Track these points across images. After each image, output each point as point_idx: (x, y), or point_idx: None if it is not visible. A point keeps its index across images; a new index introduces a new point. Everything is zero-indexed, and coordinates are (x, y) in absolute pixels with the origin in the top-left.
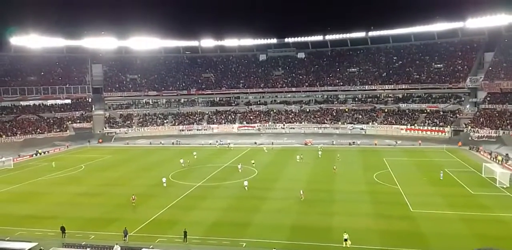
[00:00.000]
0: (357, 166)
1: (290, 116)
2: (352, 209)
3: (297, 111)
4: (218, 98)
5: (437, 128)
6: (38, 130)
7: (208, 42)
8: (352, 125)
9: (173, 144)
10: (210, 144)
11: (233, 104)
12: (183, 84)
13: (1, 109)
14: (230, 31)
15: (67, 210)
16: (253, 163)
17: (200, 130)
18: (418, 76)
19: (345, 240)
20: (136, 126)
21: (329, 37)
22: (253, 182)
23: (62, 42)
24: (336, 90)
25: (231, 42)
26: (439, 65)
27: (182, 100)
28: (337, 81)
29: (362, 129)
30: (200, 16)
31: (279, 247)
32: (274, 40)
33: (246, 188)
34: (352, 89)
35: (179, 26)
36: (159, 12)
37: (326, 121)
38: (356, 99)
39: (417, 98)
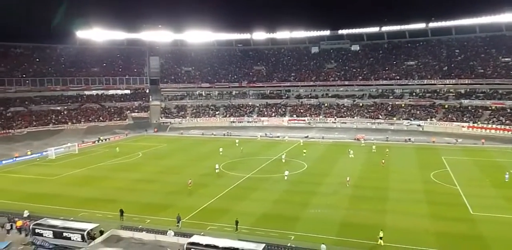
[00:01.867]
0: (413, 164)
1: (342, 110)
2: (406, 208)
3: (350, 105)
4: (268, 91)
5: (503, 126)
6: (100, 118)
7: (260, 35)
8: (409, 121)
9: (224, 135)
10: (260, 136)
11: (283, 97)
12: (235, 76)
13: (67, 98)
14: (282, 24)
15: (125, 195)
16: (304, 153)
17: (250, 122)
18: (482, 71)
19: (380, 238)
20: (189, 117)
21: (385, 28)
22: (302, 176)
23: (123, 35)
24: (392, 84)
25: (283, 34)
26: (506, 59)
27: (233, 93)
28: (393, 74)
29: (420, 125)
30: (253, 9)
31: (328, 243)
32: (327, 32)
33: (286, 177)
34: (410, 83)
35: (231, 19)
36: (213, 6)
37: (380, 117)
38: (414, 94)
39: (481, 94)
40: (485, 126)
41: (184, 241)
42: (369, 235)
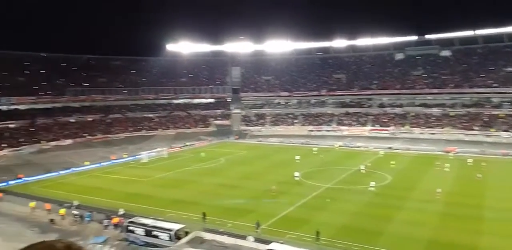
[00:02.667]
0: None
1: (430, 120)
2: (505, 229)
3: (439, 115)
4: (349, 100)
5: None
6: (187, 125)
7: (340, 42)
8: (509, 132)
9: (302, 144)
10: (339, 146)
11: (365, 106)
12: (314, 85)
13: (158, 106)
14: (364, 30)
15: (208, 198)
16: (393, 165)
17: (329, 131)
18: None
19: None
20: (268, 125)
21: (480, 32)
22: (385, 189)
23: (207, 47)
24: (488, 93)
25: (365, 41)
26: None
27: (312, 101)
28: (490, 82)
29: None
30: (333, 16)
31: None
32: (413, 38)
33: (372, 189)
34: (510, 91)
35: (311, 27)
36: (292, 15)
37: (474, 128)
38: None
39: None
40: None
41: (263, 247)
42: None
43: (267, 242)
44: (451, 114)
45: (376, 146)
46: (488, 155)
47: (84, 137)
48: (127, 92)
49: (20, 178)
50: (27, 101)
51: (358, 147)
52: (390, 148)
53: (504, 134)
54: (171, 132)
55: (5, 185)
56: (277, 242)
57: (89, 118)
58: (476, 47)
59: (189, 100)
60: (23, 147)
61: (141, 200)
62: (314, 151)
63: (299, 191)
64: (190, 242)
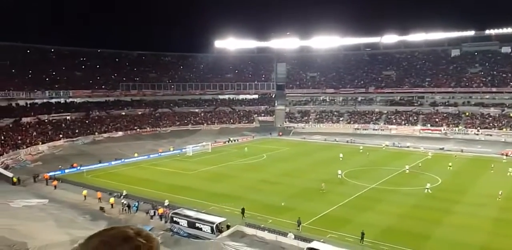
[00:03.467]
0: None
1: (487, 121)
2: None
3: (497, 115)
4: (398, 98)
5: None
6: (231, 120)
7: (390, 38)
8: None
9: (347, 142)
10: (386, 145)
11: (415, 104)
12: (361, 82)
13: (204, 102)
14: (416, 25)
15: (250, 193)
16: (450, 167)
17: (376, 129)
18: None
19: None
20: (312, 122)
21: None
22: (435, 191)
23: (253, 43)
24: None
25: (417, 36)
26: None
27: (359, 99)
28: None
29: None
30: (383, 10)
31: None
32: (471, 33)
33: (427, 190)
34: None
35: (360, 22)
36: (341, 10)
37: None
38: None
39: None
40: None
41: (304, 245)
42: None
43: (308, 240)
44: (511, 114)
45: (426, 146)
46: None
47: (134, 129)
48: (175, 88)
49: (74, 167)
50: (83, 94)
51: (407, 147)
52: (442, 149)
53: None
54: (216, 127)
55: (60, 173)
56: (319, 240)
57: (139, 112)
58: None
59: (234, 96)
60: (78, 137)
61: (185, 192)
62: (361, 149)
63: (343, 190)
64: (231, 236)
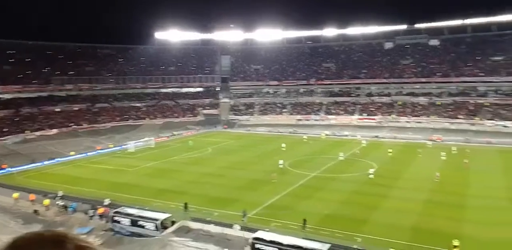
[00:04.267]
0: (497, 168)
1: (417, 109)
2: (486, 217)
3: (426, 104)
4: (337, 89)
5: None
6: (175, 114)
7: (330, 31)
8: (493, 121)
9: (290, 133)
10: (326, 134)
11: (353, 95)
12: (303, 74)
13: (146, 95)
14: (354, 19)
15: (195, 187)
16: (390, 153)
17: (317, 120)
18: None
19: (455, 247)
20: (257, 114)
21: (469, 21)
22: (371, 177)
23: (197, 35)
24: (474, 82)
25: (355, 30)
26: None
27: (301, 90)
28: (477, 71)
29: (506, 126)
30: (324, 4)
31: (397, 247)
32: (403, 26)
33: (371, 176)
34: (496, 80)
35: (302, 16)
36: (282, 3)
37: (460, 116)
38: (500, 92)
39: None
40: None
41: (249, 235)
42: (442, 243)
43: (253, 230)
44: (438, 103)
45: (363, 134)
46: (472, 143)
47: (70, 126)
48: (115, 81)
49: (3, 168)
50: (12, 90)
51: (346, 135)
52: (376, 136)
53: (489, 123)
54: (159, 121)
55: None
56: (263, 230)
57: (75, 107)
58: (464, 36)
59: (177, 89)
60: (8, 136)
61: (128, 190)
62: (304, 138)
63: (286, 179)
64: (176, 232)
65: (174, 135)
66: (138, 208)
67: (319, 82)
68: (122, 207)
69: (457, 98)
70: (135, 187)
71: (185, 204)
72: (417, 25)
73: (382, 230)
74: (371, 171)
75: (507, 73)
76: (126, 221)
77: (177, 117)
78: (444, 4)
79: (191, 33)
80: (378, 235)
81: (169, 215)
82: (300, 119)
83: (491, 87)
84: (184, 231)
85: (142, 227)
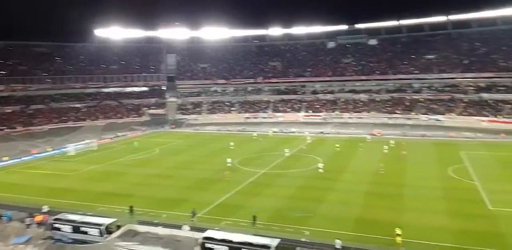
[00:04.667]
0: (431, 160)
1: (358, 105)
2: (423, 205)
3: (366, 100)
4: (284, 87)
5: None
6: (118, 115)
7: (275, 31)
8: (427, 115)
9: (239, 131)
10: (273, 132)
11: (299, 92)
12: (251, 72)
13: (86, 96)
14: (298, 19)
15: (142, 190)
16: (338, 148)
17: (265, 117)
18: (505, 64)
19: (398, 235)
20: (205, 113)
21: (404, 22)
22: (317, 171)
23: (140, 33)
24: (410, 79)
25: (299, 29)
26: None
27: (248, 89)
28: (412, 69)
29: (438, 120)
30: (269, 4)
31: (343, 238)
32: (344, 27)
33: (320, 170)
34: (429, 77)
35: (248, 15)
36: (229, 2)
37: (397, 112)
38: (432, 88)
39: (502, 88)
40: (506, 119)
41: (199, 235)
42: (385, 232)
43: (203, 230)
44: (377, 99)
45: (309, 131)
46: (409, 137)
47: (2, 130)
48: (51, 81)
49: None
50: None
51: (293, 132)
52: (321, 132)
53: (423, 117)
54: (101, 122)
55: None
56: (213, 229)
57: (8, 109)
58: (400, 36)
59: (121, 88)
60: None
61: (68, 195)
62: (254, 136)
63: (236, 177)
64: (122, 236)
65: (118, 136)
66: (80, 214)
67: (266, 80)
68: (63, 213)
69: (395, 95)
70: (77, 192)
71: (131, 207)
72: (357, 26)
73: (328, 222)
74: (320, 165)
75: (439, 71)
76: (67, 228)
77: (120, 117)
78: (381, 5)
79: (134, 31)
80: (325, 227)
81: (114, 219)
82: (248, 118)
83: (425, 84)
84: (131, 235)
85: (85, 233)
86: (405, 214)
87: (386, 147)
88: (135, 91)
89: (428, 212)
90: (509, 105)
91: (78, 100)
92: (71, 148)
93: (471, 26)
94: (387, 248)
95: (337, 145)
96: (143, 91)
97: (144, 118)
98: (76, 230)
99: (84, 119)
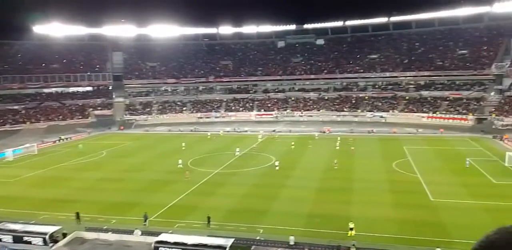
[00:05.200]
0: (376, 154)
1: (308, 104)
2: (370, 198)
3: (316, 98)
4: (236, 86)
5: (460, 116)
6: (61, 117)
7: (226, 29)
8: (372, 112)
9: (191, 131)
10: (223, 131)
11: (251, 91)
12: (202, 71)
13: (25, 97)
14: (248, 18)
15: (89, 195)
16: (293, 146)
17: (218, 117)
18: (441, 63)
19: (351, 229)
20: (155, 113)
21: (349, 23)
22: (270, 169)
23: (83, 30)
24: (355, 78)
25: (250, 29)
26: (463, 51)
27: (200, 88)
28: (357, 68)
29: (382, 116)
30: (219, 2)
31: (297, 234)
32: (293, 27)
33: (277, 168)
34: (373, 76)
35: (197, 13)
36: None
37: (345, 109)
38: (376, 86)
39: (440, 86)
40: (443, 116)
41: (152, 240)
42: (336, 225)
43: (156, 234)
44: (326, 97)
45: (262, 129)
46: (356, 133)
47: None
48: None
49: None
50: None
51: (245, 131)
52: (273, 131)
53: (368, 114)
54: (42, 125)
55: None
56: (167, 232)
57: None
58: (346, 36)
59: (63, 89)
60: None
61: (8, 204)
62: (208, 136)
63: (189, 179)
64: (68, 244)
65: (62, 139)
66: (22, 223)
67: (218, 79)
68: (3, 223)
69: (342, 93)
70: (18, 200)
71: (77, 213)
72: (305, 26)
73: (282, 219)
74: (277, 163)
75: (382, 70)
76: (7, 238)
77: (64, 119)
78: (327, 6)
79: (76, 27)
80: (278, 224)
81: (59, 227)
82: (200, 117)
83: (369, 83)
84: (78, 243)
85: (29, 242)
86: (354, 207)
87: (337, 143)
88: (79, 91)
89: (375, 204)
90: (446, 102)
91: (16, 101)
92: (8, 153)
93: (411, 27)
94: (338, 242)
95: (292, 143)
96: (88, 91)
97: (90, 119)
98: (18, 240)
99: (23, 122)
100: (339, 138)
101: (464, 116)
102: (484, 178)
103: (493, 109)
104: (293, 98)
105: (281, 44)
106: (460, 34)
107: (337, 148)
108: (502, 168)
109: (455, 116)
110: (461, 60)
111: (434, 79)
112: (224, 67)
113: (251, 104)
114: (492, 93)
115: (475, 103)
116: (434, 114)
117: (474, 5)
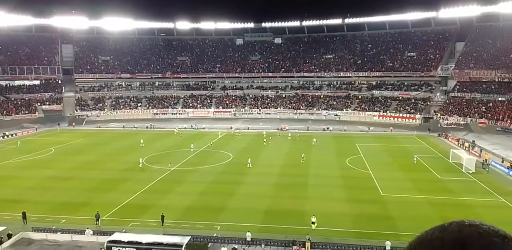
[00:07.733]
0: (331, 151)
1: (266, 101)
2: (325, 193)
3: (273, 96)
4: (193, 82)
5: (408, 115)
6: (5, 112)
7: (183, 25)
8: (327, 111)
9: (147, 127)
10: (184, 128)
11: (209, 88)
12: (158, 67)
13: None
14: (206, 14)
15: (36, 194)
16: (265, 142)
17: (175, 114)
18: (391, 64)
19: (313, 223)
20: (108, 109)
21: (306, 23)
22: (228, 166)
23: (30, 20)
24: (312, 77)
25: (208, 25)
26: (412, 54)
27: (156, 84)
28: (313, 67)
29: (337, 115)
30: None
31: (253, 230)
32: (251, 25)
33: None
34: (328, 75)
35: (153, 6)
36: None
37: (301, 107)
38: (331, 85)
39: (390, 86)
40: (393, 114)
41: (104, 239)
42: (292, 221)
43: (108, 233)
44: (283, 95)
45: (220, 126)
46: (312, 131)
47: None
48: None
49: None
50: None
51: (203, 128)
52: (231, 128)
53: (324, 112)
54: None
55: None
56: (120, 231)
57: None
58: (302, 36)
59: (7, 82)
60: None
61: None
62: (175, 132)
63: (143, 177)
64: (14, 245)
65: (7, 135)
66: None
67: (175, 75)
68: None
69: (299, 91)
70: None
71: (23, 213)
72: (264, 24)
73: (239, 215)
74: (249, 160)
75: (336, 70)
76: None
77: (8, 114)
78: (285, 5)
79: (22, 17)
80: (236, 221)
81: (4, 227)
82: (157, 114)
83: (324, 82)
84: (25, 244)
85: None
86: (310, 202)
87: (315, 139)
88: (25, 84)
89: (330, 199)
90: (396, 102)
91: None
92: None
93: (364, 29)
94: (293, 237)
95: (265, 140)
96: (35, 85)
97: (37, 115)
98: None
99: None
100: (289, 135)
101: (412, 116)
102: (430, 173)
103: (438, 109)
104: (251, 96)
105: (239, 41)
106: (409, 37)
107: (314, 144)
108: (447, 164)
109: (404, 115)
110: (409, 62)
111: (384, 79)
112: (181, 63)
113: (209, 101)
114: (438, 94)
115: (422, 103)
116: (385, 113)
117: (422, 10)
